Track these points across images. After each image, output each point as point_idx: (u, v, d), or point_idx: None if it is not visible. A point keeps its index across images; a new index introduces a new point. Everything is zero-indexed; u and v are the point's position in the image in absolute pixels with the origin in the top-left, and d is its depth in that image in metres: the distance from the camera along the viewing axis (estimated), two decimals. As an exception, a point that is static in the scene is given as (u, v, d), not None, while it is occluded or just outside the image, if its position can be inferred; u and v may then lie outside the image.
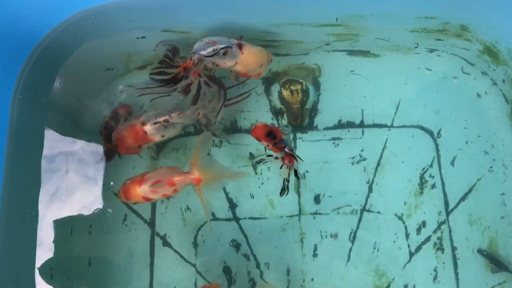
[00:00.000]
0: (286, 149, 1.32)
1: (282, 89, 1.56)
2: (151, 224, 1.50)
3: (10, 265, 1.29)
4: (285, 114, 1.55)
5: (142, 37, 1.42)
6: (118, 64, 1.48)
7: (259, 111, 1.56)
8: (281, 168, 1.34)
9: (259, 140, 1.35)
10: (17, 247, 1.32)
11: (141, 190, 1.34)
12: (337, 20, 1.39)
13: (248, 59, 1.34)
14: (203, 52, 1.28)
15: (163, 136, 1.40)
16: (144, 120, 1.38)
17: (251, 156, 1.54)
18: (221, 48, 1.29)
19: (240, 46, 1.33)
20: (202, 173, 1.35)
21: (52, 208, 1.41)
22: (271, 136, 1.33)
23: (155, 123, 1.37)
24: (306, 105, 1.55)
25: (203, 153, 1.38)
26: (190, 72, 1.33)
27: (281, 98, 1.56)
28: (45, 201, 1.40)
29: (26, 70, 1.27)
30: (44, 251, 1.37)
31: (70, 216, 1.43)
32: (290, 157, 1.33)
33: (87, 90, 1.47)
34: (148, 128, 1.37)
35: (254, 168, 1.52)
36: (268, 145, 1.34)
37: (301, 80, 1.55)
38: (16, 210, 1.31)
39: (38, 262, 1.36)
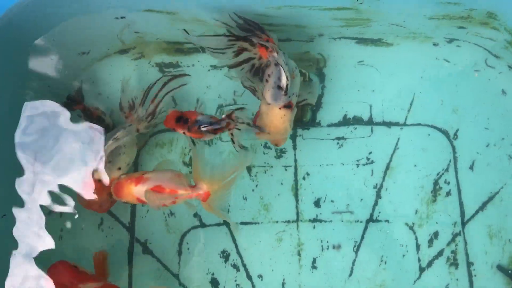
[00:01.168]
0: (203, 128, 1.18)
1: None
2: (131, 228, 1.34)
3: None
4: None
5: (122, 17, 1.24)
6: (94, 47, 1.30)
7: (253, 105, 1.38)
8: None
9: (174, 130, 1.22)
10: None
11: (137, 191, 1.18)
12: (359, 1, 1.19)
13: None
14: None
15: (119, 168, 1.24)
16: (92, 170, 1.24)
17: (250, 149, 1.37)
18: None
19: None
20: (210, 186, 1.18)
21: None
22: (182, 121, 1.19)
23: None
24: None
25: (203, 163, 1.20)
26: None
27: (280, 90, 1.38)
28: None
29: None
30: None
31: (37, 217, 1.27)
32: (215, 132, 1.20)
33: (58, 76, 1.29)
34: (97, 175, 1.23)
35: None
36: (184, 133, 1.21)
37: (303, 71, 1.37)
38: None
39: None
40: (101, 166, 1.22)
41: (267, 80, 1.20)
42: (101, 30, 1.27)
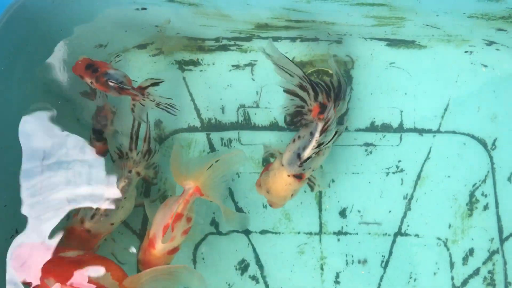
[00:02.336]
0: (110, 83, 1.10)
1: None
2: (141, 235, 1.26)
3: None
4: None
5: (143, 9, 1.18)
6: (112, 39, 1.24)
7: (277, 108, 1.30)
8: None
9: (82, 78, 1.13)
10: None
11: (159, 251, 1.11)
12: None
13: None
14: None
15: (112, 224, 1.15)
16: (81, 217, 1.14)
17: (265, 160, 1.28)
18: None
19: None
20: (194, 179, 1.12)
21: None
22: (91, 69, 1.11)
23: (92, 217, 1.14)
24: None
25: (180, 161, 1.14)
26: None
27: (305, 91, 1.30)
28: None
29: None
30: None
31: (46, 221, 1.19)
32: (120, 92, 1.12)
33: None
34: (88, 224, 1.13)
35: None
36: (92, 83, 1.12)
37: (330, 72, 1.29)
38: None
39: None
40: (96, 218, 1.14)
41: (294, 140, 1.13)
42: (120, 22, 1.21)
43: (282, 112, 1.18)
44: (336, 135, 1.08)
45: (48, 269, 1.03)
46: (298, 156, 1.09)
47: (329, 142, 1.08)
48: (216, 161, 1.14)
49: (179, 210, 1.10)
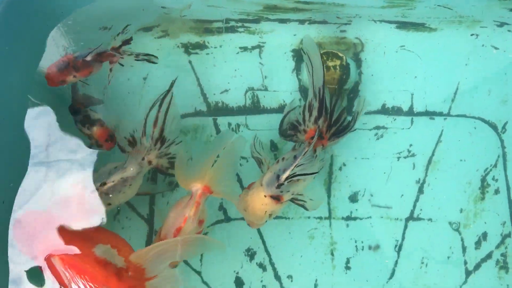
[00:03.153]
0: (88, 58, 1.11)
1: (303, 54, 1.26)
2: (149, 220, 1.23)
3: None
4: (318, 95, 1.27)
5: (149, -11, 1.15)
6: (116, 22, 1.20)
7: (285, 91, 1.28)
8: None
9: (64, 82, 1.13)
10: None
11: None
12: None
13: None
14: None
15: (109, 204, 1.11)
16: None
17: (273, 145, 1.26)
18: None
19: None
20: (201, 179, 1.09)
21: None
22: (63, 67, 1.11)
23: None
24: (346, 85, 1.27)
25: (186, 161, 1.12)
26: None
27: (313, 73, 1.28)
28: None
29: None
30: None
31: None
32: (101, 59, 1.13)
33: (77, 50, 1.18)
34: None
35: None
36: (75, 76, 1.12)
37: (341, 54, 1.27)
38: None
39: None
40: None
41: (278, 161, 1.11)
42: (125, 3, 1.18)
43: (288, 109, 1.17)
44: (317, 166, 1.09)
45: (53, 239, 1.00)
46: (277, 177, 1.07)
47: (308, 174, 1.07)
48: (218, 156, 1.11)
49: (191, 213, 1.07)
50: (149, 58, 1.17)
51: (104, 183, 1.10)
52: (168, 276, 1.00)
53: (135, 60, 1.16)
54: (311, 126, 1.13)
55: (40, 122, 1.14)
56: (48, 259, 0.97)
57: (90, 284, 0.95)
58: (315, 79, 1.14)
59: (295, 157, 1.08)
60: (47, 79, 1.13)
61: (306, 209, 1.15)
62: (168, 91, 1.14)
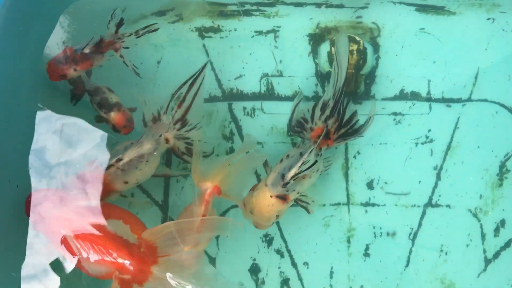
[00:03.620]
0: (86, 51, 1.10)
1: (333, 48, 1.25)
2: (164, 207, 1.22)
3: None
4: (335, 80, 1.25)
5: (164, -30, 1.13)
6: (130, 6, 1.18)
7: (301, 76, 1.26)
8: None
9: (65, 76, 1.12)
10: None
11: None
12: None
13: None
14: None
15: (126, 182, 1.09)
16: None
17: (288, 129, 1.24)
18: None
19: None
20: (213, 179, 1.08)
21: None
22: (64, 60, 1.11)
23: (108, 168, 1.08)
24: (363, 70, 1.25)
25: (200, 159, 1.09)
26: None
27: (331, 60, 1.25)
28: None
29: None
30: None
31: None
32: (101, 50, 1.13)
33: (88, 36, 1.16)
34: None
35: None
36: (76, 69, 1.11)
37: (358, 39, 1.25)
38: None
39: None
40: (111, 169, 1.08)
41: (281, 160, 1.09)
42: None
43: (295, 102, 1.16)
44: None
45: (67, 218, 1.00)
46: (282, 176, 1.06)
47: (311, 167, 1.05)
48: (234, 161, 1.10)
49: (200, 212, 1.06)
50: (149, 29, 1.15)
51: (120, 159, 1.07)
52: (182, 257, 0.98)
53: (137, 38, 1.14)
54: (320, 125, 1.12)
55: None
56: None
57: (101, 255, 0.95)
58: (338, 79, 1.12)
59: (301, 154, 1.07)
60: (48, 73, 1.11)
61: (308, 211, 1.15)
62: (200, 72, 1.13)
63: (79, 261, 0.98)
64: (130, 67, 1.16)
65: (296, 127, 1.14)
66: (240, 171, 1.11)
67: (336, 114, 1.12)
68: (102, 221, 0.99)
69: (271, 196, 1.06)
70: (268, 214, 1.08)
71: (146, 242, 0.98)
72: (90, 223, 0.98)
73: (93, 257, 0.96)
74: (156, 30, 1.16)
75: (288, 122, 1.17)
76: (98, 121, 1.15)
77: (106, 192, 1.08)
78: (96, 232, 0.97)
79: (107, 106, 1.13)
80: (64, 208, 1.00)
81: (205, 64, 1.14)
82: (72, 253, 0.97)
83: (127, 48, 1.15)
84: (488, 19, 1.26)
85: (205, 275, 0.97)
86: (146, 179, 1.12)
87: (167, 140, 1.12)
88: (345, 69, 1.13)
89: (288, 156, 1.09)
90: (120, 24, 1.13)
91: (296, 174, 1.04)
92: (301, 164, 1.04)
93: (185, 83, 1.13)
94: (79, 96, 1.17)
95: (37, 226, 1.01)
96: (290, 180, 1.05)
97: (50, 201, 1.02)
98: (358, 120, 1.14)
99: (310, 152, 1.06)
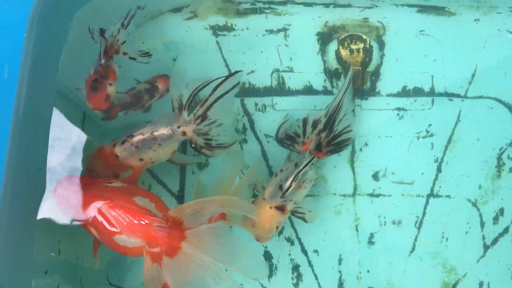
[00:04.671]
0: (100, 65, 1.13)
1: (341, 47, 1.32)
2: (180, 197, 1.27)
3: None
4: (342, 76, 1.32)
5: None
6: (150, 1, 1.23)
7: (310, 72, 1.32)
8: None
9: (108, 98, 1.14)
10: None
11: None
12: None
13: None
14: None
15: (141, 159, 1.14)
16: (115, 141, 1.14)
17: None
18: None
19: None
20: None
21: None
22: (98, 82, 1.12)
23: (123, 143, 1.13)
24: (369, 67, 1.31)
25: (202, 191, 1.16)
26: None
27: (339, 57, 1.32)
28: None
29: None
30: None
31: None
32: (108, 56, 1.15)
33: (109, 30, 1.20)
34: (117, 149, 1.13)
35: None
36: (111, 84, 1.14)
37: (364, 37, 1.31)
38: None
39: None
40: (125, 145, 1.12)
41: (276, 174, 1.17)
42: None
43: (282, 121, 1.22)
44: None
45: (97, 194, 1.03)
46: (280, 187, 1.14)
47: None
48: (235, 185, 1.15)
49: None
50: (130, 16, 1.17)
51: (132, 135, 1.12)
52: (209, 230, 1.02)
53: (123, 28, 1.17)
54: (312, 137, 1.19)
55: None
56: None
57: (136, 221, 0.98)
58: (334, 101, 1.19)
59: (296, 165, 1.15)
60: (97, 109, 1.13)
61: (305, 221, 1.21)
62: (226, 77, 1.13)
63: (108, 235, 1.01)
64: (137, 59, 1.19)
65: (286, 140, 1.21)
66: (241, 194, 1.16)
67: (328, 129, 1.19)
68: (130, 196, 1.03)
69: (270, 208, 1.13)
70: (269, 225, 1.14)
71: (173, 217, 1.02)
72: (120, 197, 1.03)
73: (128, 225, 0.99)
74: (133, 16, 1.18)
75: (275, 137, 1.23)
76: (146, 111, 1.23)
77: (123, 166, 1.13)
78: (127, 202, 1.01)
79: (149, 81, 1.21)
80: (95, 187, 1.05)
81: (236, 72, 1.15)
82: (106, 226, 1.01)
83: (124, 41, 1.17)
84: (489, 20, 1.33)
85: (232, 247, 1.01)
86: (162, 160, 1.16)
87: (184, 133, 1.15)
88: (341, 94, 1.20)
89: (282, 170, 1.17)
90: (102, 32, 1.14)
91: (293, 180, 1.12)
92: (298, 172, 1.13)
93: (208, 82, 1.13)
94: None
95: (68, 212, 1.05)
96: (289, 187, 1.12)
97: (74, 185, 1.06)
98: (346, 136, 1.22)
99: (307, 161, 1.14)
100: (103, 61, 1.12)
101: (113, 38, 1.15)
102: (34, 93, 1.04)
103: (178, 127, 1.14)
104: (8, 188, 1.00)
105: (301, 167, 1.13)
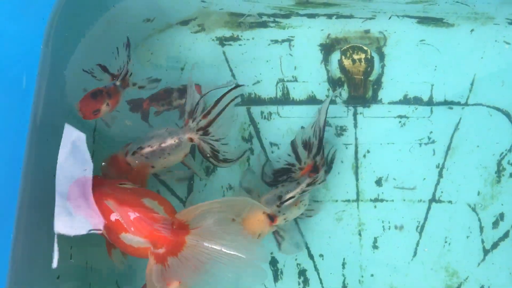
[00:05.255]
0: (118, 83, 1.17)
1: (343, 57, 1.36)
2: (187, 203, 1.29)
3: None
4: (345, 85, 1.36)
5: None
6: (159, 15, 1.28)
7: (314, 82, 1.36)
8: None
9: (98, 111, 1.16)
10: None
11: None
12: None
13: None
14: None
15: (153, 167, 1.18)
16: (127, 149, 1.18)
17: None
18: None
19: None
20: None
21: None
22: (98, 95, 1.14)
23: (133, 153, 1.17)
24: (370, 76, 1.35)
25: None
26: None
27: (342, 67, 1.36)
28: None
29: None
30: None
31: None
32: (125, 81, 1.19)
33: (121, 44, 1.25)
34: (129, 159, 1.17)
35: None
36: (108, 104, 1.15)
37: (365, 48, 1.36)
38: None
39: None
40: (136, 155, 1.16)
41: (277, 187, 1.20)
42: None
43: (271, 163, 1.27)
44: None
45: (108, 193, 1.07)
46: (279, 197, 1.17)
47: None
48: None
49: None
50: (128, 44, 1.20)
51: (142, 147, 1.16)
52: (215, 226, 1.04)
53: (129, 59, 1.20)
54: (309, 162, 1.23)
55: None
56: (102, 203, 1.06)
57: (140, 220, 1.02)
58: (318, 123, 1.23)
59: (298, 183, 1.19)
60: (82, 113, 1.14)
61: (279, 247, 1.23)
62: (229, 90, 1.16)
63: (115, 234, 1.05)
64: (146, 86, 1.23)
65: (281, 176, 1.24)
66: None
67: (321, 152, 1.23)
68: (139, 197, 1.06)
69: (263, 213, 1.15)
70: (253, 228, 1.14)
71: (179, 221, 1.05)
72: (129, 197, 1.06)
73: (132, 223, 1.02)
74: (129, 45, 1.21)
75: (263, 181, 1.27)
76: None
77: (139, 174, 1.17)
78: (134, 202, 1.05)
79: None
80: (107, 186, 1.10)
81: (236, 86, 1.18)
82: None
83: (131, 74, 1.21)
84: (486, 30, 1.38)
85: (238, 241, 1.03)
86: (174, 163, 1.20)
87: (191, 139, 1.18)
88: (324, 115, 1.23)
89: (283, 185, 1.20)
90: (104, 69, 1.19)
91: (294, 195, 1.16)
92: (304, 188, 1.18)
93: (209, 91, 1.19)
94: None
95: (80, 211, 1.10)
96: (289, 199, 1.16)
97: (86, 185, 1.11)
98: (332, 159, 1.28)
99: (313, 180, 1.18)
100: (118, 83, 1.16)
101: (122, 72, 1.19)
102: (49, 102, 1.08)
103: (185, 134, 1.18)
104: (26, 195, 1.03)
105: (308, 185, 1.17)
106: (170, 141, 1.17)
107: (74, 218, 1.09)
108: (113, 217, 1.04)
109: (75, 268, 1.19)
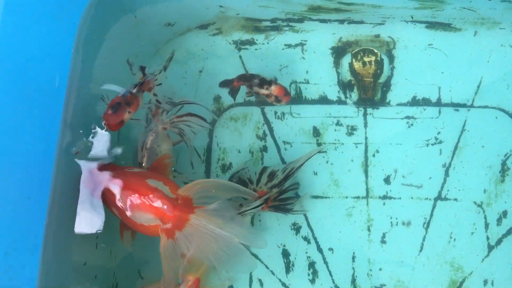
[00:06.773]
0: (134, 90, 1.20)
1: (354, 60, 1.42)
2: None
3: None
4: (355, 87, 1.42)
5: (212, -10, 1.30)
6: (180, 19, 1.35)
7: (325, 84, 1.42)
8: None
9: (122, 123, 1.20)
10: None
11: None
12: None
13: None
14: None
15: (157, 154, 1.27)
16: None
17: (315, 131, 1.40)
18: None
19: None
20: (196, 273, 1.18)
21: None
22: (122, 105, 1.19)
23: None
24: (380, 78, 1.42)
25: (174, 258, 1.14)
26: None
27: (352, 70, 1.42)
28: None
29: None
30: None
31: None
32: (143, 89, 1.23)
33: (143, 48, 1.33)
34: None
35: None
36: (129, 112, 1.20)
37: (376, 51, 1.42)
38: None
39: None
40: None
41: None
42: (190, 1, 1.32)
43: (240, 167, 1.34)
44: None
45: (115, 175, 1.16)
46: (241, 205, 1.23)
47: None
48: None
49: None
50: (170, 59, 1.27)
51: (145, 148, 1.25)
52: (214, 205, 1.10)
53: (165, 69, 1.26)
54: (264, 189, 1.29)
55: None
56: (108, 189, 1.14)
57: (144, 198, 1.09)
58: (297, 164, 1.31)
59: (241, 205, 1.24)
60: (108, 127, 1.20)
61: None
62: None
63: (124, 213, 1.12)
64: (162, 104, 1.27)
65: (239, 182, 1.30)
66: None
67: (281, 187, 1.29)
68: (143, 179, 1.14)
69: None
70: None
71: (182, 196, 1.11)
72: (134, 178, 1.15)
73: (139, 203, 1.10)
74: (172, 58, 1.28)
75: (230, 177, 1.34)
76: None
77: (159, 167, 1.24)
78: (138, 182, 1.13)
79: (267, 82, 1.31)
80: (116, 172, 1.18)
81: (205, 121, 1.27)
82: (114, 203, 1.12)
83: (160, 84, 1.26)
84: (492, 35, 1.43)
85: (237, 224, 1.09)
86: (170, 147, 1.28)
87: (165, 128, 1.27)
88: (304, 160, 1.31)
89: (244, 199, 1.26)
90: (143, 68, 1.24)
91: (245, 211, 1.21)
92: (249, 208, 1.22)
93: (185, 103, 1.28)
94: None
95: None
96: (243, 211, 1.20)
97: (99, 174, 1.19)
98: (292, 202, 1.32)
99: (259, 205, 1.24)
100: (134, 90, 1.22)
101: (152, 77, 1.25)
102: (80, 102, 1.16)
103: (156, 125, 1.26)
104: (57, 193, 1.10)
105: (253, 206, 1.22)
106: (151, 137, 1.26)
107: (93, 205, 1.18)
108: (121, 198, 1.11)
109: (100, 256, 1.26)
